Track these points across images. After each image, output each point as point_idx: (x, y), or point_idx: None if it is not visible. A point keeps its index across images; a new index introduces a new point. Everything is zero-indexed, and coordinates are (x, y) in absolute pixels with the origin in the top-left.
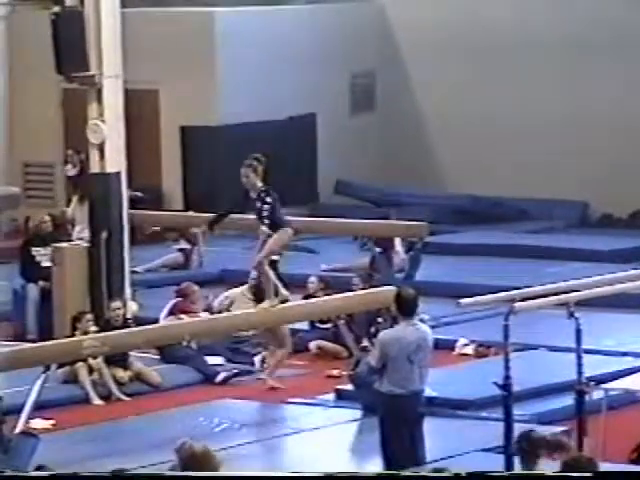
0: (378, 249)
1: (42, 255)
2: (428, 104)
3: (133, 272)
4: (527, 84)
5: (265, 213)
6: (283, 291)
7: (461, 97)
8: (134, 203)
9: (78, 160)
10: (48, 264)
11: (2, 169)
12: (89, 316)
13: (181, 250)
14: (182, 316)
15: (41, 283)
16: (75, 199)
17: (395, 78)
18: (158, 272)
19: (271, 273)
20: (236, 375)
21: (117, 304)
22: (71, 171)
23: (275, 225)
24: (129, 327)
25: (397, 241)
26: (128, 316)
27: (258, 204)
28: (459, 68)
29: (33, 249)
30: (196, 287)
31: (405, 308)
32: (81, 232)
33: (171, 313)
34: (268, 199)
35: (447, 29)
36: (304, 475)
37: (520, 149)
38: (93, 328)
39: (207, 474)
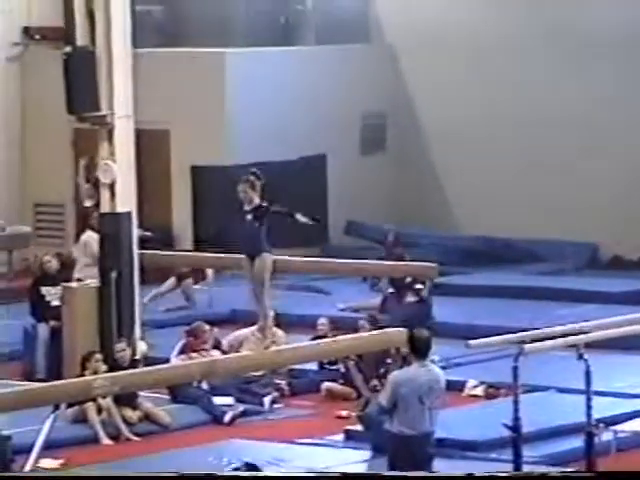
0: (390, 290)
1: (52, 295)
2: (439, 146)
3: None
4: (536, 129)
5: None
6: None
7: (472, 139)
8: (144, 243)
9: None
10: (58, 303)
11: (13, 209)
12: (98, 356)
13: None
14: (193, 355)
15: (52, 323)
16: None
17: (406, 119)
18: (168, 312)
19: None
20: (243, 414)
21: (122, 345)
22: (88, 202)
23: (260, 247)
24: (136, 367)
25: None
26: (137, 356)
27: (251, 220)
28: (470, 110)
29: (42, 288)
30: (207, 327)
31: (418, 349)
32: (81, 270)
33: (182, 352)
34: (263, 219)
35: (459, 72)
36: (304, 475)
37: (531, 191)
38: (103, 367)
39: (205, 474)
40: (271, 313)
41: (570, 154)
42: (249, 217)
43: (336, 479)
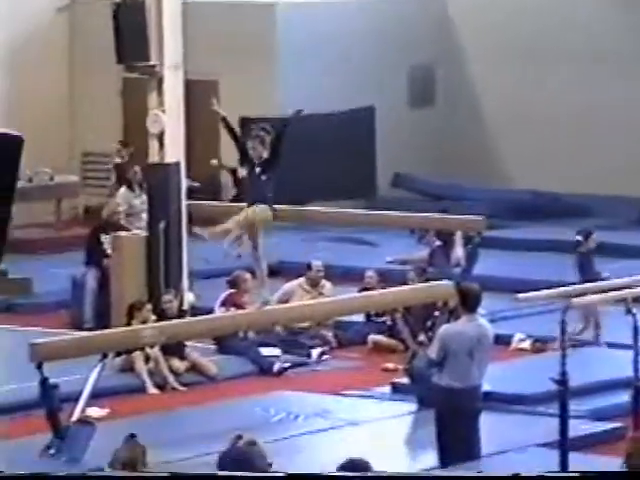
0: (437, 242)
1: (109, 243)
2: (488, 97)
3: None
4: (590, 81)
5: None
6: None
7: (522, 91)
8: (192, 193)
9: (127, 154)
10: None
11: (62, 158)
12: (149, 306)
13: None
14: (232, 309)
15: (105, 261)
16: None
17: (455, 71)
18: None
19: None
20: (292, 367)
21: (168, 297)
22: (118, 159)
23: (267, 200)
24: (183, 318)
25: (458, 235)
26: (185, 307)
27: (260, 173)
28: (520, 62)
29: (102, 235)
30: (247, 275)
31: (468, 303)
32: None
33: (223, 304)
34: (271, 173)
35: (508, 23)
36: (306, 474)
37: (581, 145)
38: (153, 318)
39: (211, 474)
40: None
41: (621, 107)
42: (258, 170)
43: (339, 479)
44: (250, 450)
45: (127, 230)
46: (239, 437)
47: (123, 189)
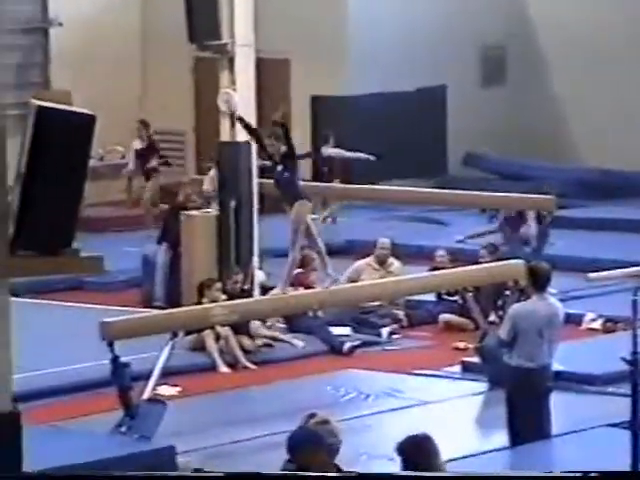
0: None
1: None
2: (559, 77)
3: None
4: None
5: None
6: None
7: (594, 70)
8: (263, 172)
9: (146, 135)
10: None
11: (135, 136)
12: (219, 284)
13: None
14: (300, 289)
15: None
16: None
17: (526, 51)
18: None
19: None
20: (362, 345)
21: (238, 277)
22: (138, 145)
23: (297, 193)
24: (252, 296)
25: (530, 214)
26: (255, 285)
27: (282, 169)
28: (592, 40)
29: (181, 213)
30: (314, 255)
31: (539, 282)
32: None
33: (291, 284)
34: (293, 165)
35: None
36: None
37: None
38: (223, 297)
39: (210, 474)
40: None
41: None
42: (279, 169)
43: (342, 479)
44: (320, 428)
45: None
46: (312, 415)
47: (213, 170)
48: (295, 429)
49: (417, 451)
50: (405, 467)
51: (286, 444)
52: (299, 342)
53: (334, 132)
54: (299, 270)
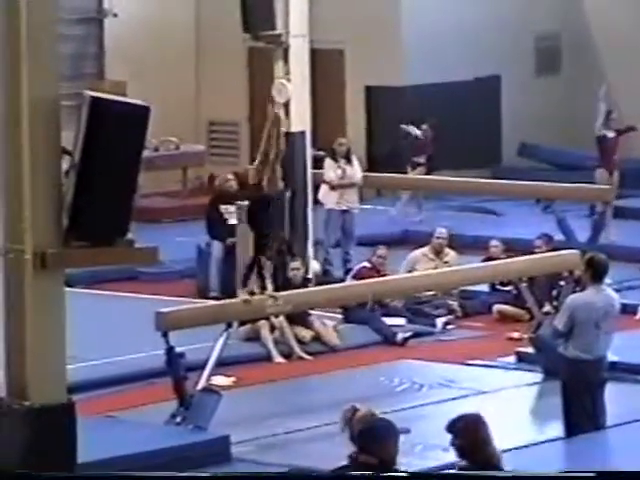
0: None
1: (229, 213)
2: (614, 67)
3: None
4: None
5: None
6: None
7: None
8: (318, 162)
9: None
10: (234, 222)
11: (188, 127)
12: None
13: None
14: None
15: (229, 240)
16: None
17: (581, 40)
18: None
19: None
20: (415, 336)
21: (296, 264)
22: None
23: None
24: (307, 287)
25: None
26: (309, 275)
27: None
28: None
29: (221, 207)
30: (383, 252)
31: (596, 273)
32: (324, 197)
33: (353, 277)
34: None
35: None
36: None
37: None
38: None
39: (209, 474)
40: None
41: None
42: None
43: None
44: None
45: (243, 198)
46: (355, 409)
47: (328, 159)
48: (374, 421)
49: (467, 430)
50: (455, 446)
51: (369, 435)
52: (335, 338)
53: (390, 123)
54: (365, 264)
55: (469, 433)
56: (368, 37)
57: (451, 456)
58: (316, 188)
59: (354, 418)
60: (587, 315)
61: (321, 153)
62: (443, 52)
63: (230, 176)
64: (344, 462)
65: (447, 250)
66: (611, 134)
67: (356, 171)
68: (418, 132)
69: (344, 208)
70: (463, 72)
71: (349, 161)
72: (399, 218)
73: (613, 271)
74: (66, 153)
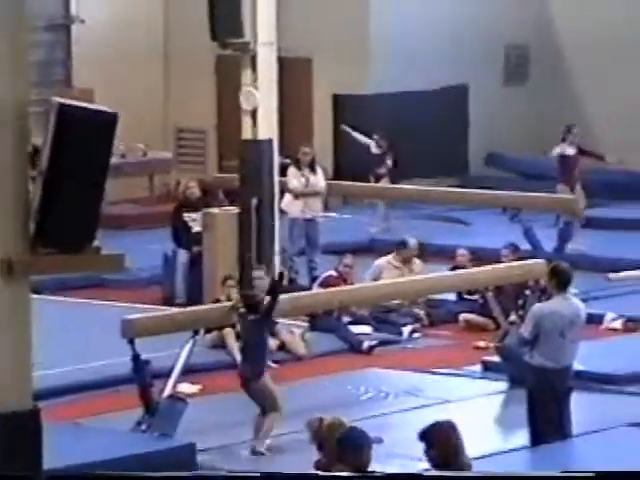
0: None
1: (193, 220)
2: (582, 76)
3: None
4: None
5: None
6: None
7: (616, 70)
8: (285, 170)
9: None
10: (199, 229)
11: (156, 134)
12: (231, 281)
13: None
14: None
15: (195, 249)
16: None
17: (549, 50)
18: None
19: None
20: (382, 344)
21: (259, 274)
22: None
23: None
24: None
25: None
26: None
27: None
28: (615, 40)
29: (185, 214)
30: (349, 260)
31: (560, 282)
32: (287, 205)
33: (320, 285)
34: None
35: (604, 2)
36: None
37: None
38: (235, 295)
39: (207, 473)
40: None
41: None
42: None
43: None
44: (342, 428)
45: (207, 205)
46: (321, 420)
47: (292, 168)
48: (349, 430)
49: (440, 438)
50: (428, 455)
51: (347, 444)
52: (302, 348)
53: (357, 132)
54: (332, 273)
55: (442, 442)
56: (336, 46)
57: (415, 465)
58: (282, 196)
59: (321, 428)
60: (553, 324)
61: (288, 161)
62: (411, 61)
63: (192, 183)
64: (311, 470)
65: (414, 259)
66: (571, 151)
67: (319, 180)
68: (368, 140)
69: (308, 217)
70: (431, 81)
71: (313, 170)
72: (381, 229)
73: (579, 281)
74: (35, 152)
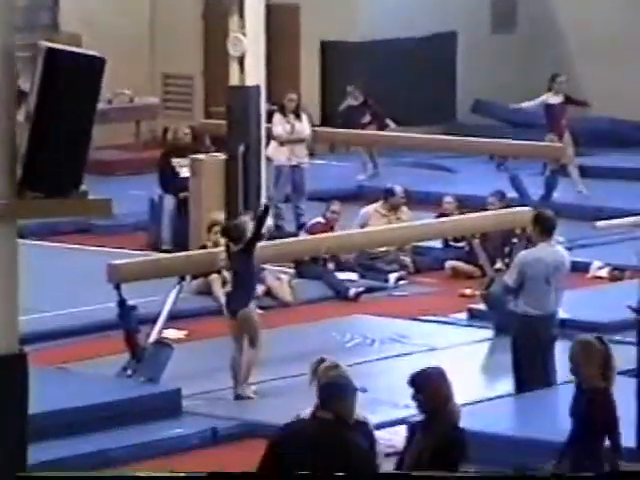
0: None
1: (181, 166)
2: (570, 24)
3: None
4: None
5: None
6: None
7: (603, 18)
8: (271, 117)
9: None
10: (187, 175)
11: (142, 80)
12: (217, 227)
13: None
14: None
15: (181, 195)
16: None
17: None
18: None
19: None
20: (368, 291)
21: (244, 219)
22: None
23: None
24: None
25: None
26: (263, 230)
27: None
28: None
29: (173, 160)
30: (337, 207)
31: (544, 229)
32: (273, 152)
33: (307, 232)
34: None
35: None
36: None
37: None
38: (223, 240)
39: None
40: None
41: None
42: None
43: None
44: (334, 373)
45: (195, 151)
46: (321, 360)
47: (277, 115)
48: (334, 378)
49: (429, 384)
50: (416, 400)
51: (329, 391)
52: (288, 294)
53: (345, 79)
54: (319, 220)
55: (432, 388)
56: None
57: (400, 412)
58: (268, 143)
59: (319, 370)
60: (537, 271)
61: (274, 107)
62: (399, 8)
63: (185, 129)
64: (294, 414)
65: (401, 207)
66: (557, 99)
67: (305, 127)
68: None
69: (294, 163)
70: (419, 28)
71: (298, 116)
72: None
73: (565, 229)
74: (21, 96)
